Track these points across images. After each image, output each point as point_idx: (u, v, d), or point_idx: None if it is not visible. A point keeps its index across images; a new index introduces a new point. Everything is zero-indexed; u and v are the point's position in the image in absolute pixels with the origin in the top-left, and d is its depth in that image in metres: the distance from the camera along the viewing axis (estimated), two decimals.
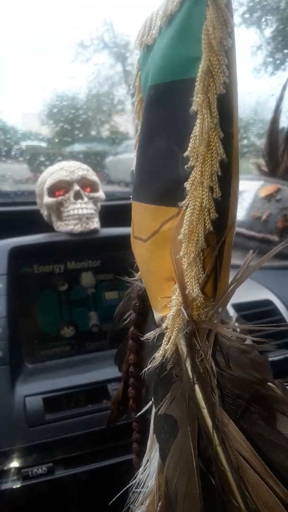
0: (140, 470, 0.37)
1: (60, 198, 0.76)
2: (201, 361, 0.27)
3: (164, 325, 0.30)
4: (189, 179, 0.27)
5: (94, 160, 1.77)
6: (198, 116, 0.26)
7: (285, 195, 0.93)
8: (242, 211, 0.97)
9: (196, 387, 0.27)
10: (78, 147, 1.86)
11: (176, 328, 0.29)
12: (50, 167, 0.79)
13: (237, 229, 0.96)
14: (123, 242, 0.79)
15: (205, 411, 0.26)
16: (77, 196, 0.76)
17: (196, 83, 0.26)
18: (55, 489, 0.58)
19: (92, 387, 0.65)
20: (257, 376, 0.26)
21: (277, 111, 0.98)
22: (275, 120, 0.98)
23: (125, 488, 0.42)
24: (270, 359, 0.79)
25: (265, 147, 1.01)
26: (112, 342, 0.74)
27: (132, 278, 0.43)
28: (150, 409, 0.34)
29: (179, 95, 0.27)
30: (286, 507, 0.23)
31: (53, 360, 0.71)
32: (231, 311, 0.77)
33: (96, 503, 0.60)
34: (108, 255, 0.79)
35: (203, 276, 0.28)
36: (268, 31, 2.84)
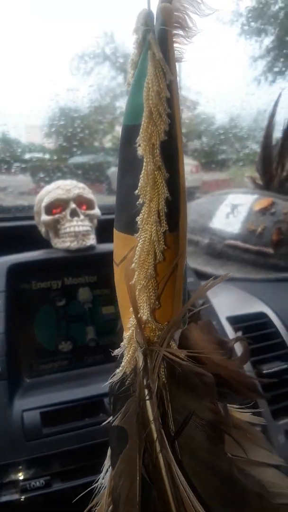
0: (101, 475, 0.39)
1: (57, 216, 0.78)
2: (154, 380, 0.30)
3: (122, 344, 0.33)
4: (140, 214, 0.30)
5: (96, 171, 1.79)
6: (144, 160, 0.29)
7: (279, 208, 0.95)
8: (237, 224, 0.98)
9: (147, 403, 0.29)
10: (80, 158, 1.89)
11: (132, 348, 0.32)
12: (47, 186, 0.81)
13: (233, 242, 0.98)
14: None
15: (152, 426, 0.29)
16: (74, 213, 0.78)
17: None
18: (53, 502, 0.60)
19: (89, 401, 0.67)
20: (203, 397, 0.28)
21: (269, 126, 1.00)
22: (268, 134, 1.00)
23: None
24: (265, 371, 0.79)
25: (259, 161, 1.03)
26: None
27: None
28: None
29: (135, 138, 0.30)
30: None
31: (51, 374, 0.73)
32: (226, 324, 0.78)
33: None
34: (104, 270, 0.81)
35: (155, 301, 0.31)
36: (267, 41, 2.87)
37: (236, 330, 0.78)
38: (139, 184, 0.29)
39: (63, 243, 0.77)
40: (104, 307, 0.80)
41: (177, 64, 0.32)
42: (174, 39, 0.34)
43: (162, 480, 0.27)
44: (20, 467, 0.60)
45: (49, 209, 0.78)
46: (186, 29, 0.34)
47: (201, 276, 0.95)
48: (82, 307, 0.78)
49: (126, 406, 0.31)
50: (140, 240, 0.30)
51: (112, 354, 0.36)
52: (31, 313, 0.75)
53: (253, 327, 0.81)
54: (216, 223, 1.02)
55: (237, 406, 0.31)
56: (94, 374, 0.73)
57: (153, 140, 0.28)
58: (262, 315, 0.82)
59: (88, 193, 0.81)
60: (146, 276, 0.30)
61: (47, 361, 0.74)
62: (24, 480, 0.60)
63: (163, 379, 0.30)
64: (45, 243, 0.82)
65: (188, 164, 3.20)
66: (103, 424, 0.33)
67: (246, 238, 0.96)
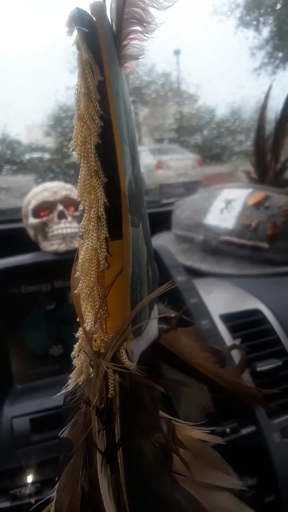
0: (56, 487, 0.39)
1: (44, 218, 0.77)
2: (101, 391, 0.29)
3: (72, 354, 0.33)
4: (82, 221, 0.29)
5: None
6: (81, 164, 0.28)
7: (274, 202, 0.93)
8: (232, 219, 0.97)
9: (93, 413, 0.28)
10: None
11: (81, 359, 0.32)
12: (34, 188, 0.80)
13: (228, 237, 0.96)
14: None
15: (95, 437, 0.28)
16: (61, 215, 0.77)
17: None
18: (43, 509, 0.59)
19: None
20: (150, 412, 0.28)
21: (261, 118, 0.98)
22: (260, 127, 0.98)
23: None
24: (258, 369, 0.77)
25: (252, 154, 1.01)
26: None
27: None
28: None
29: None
30: None
31: (42, 379, 0.72)
32: (219, 323, 0.77)
33: None
34: None
35: (99, 311, 0.30)
36: (266, 31, 2.83)
37: (230, 328, 0.76)
38: (78, 190, 0.28)
39: (52, 245, 0.77)
40: None
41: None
42: (131, 36, 0.33)
43: (99, 497, 0.26)
44: (10, 474, 0.60)
45: (37, 212, 0.78)
46: (144, 24, 0.33)
47: (196, 273, 0.94)
48: (72, 310, 0.77)
49: (74, 418, 0.30)
50: (83, 248, 0.29)
51: (73, 363, 0.36)
52: (20, 317, 0.74)
53: (247, 324, 0.79)
54: (211, 219, 1.00)
55: (192, 424, 0.30)
56: None
57: (87, 145, 0.27)
58: (256, 312, 0.80)
59: (76, 194, 0.80)
60: (89, 284, 0.30)
61: (38, 366, 0.73)
62: (14, 487, 0.59)
63: (112, 392, 0.29)
64: (36, 245, 0.81)
65: (190, 159, 3.18)
66: (60, 434, 0.32)
67: (241, 234, 0.94)
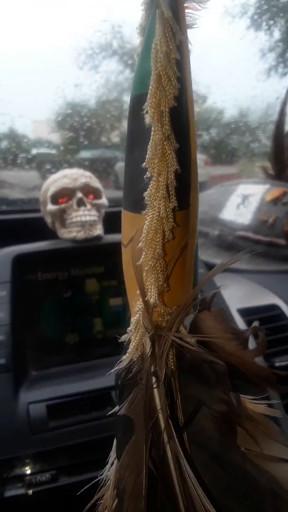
0: (107, 467, 0.38)
1: (63, 205, 0.76)
2: (161, 367, 0.28)
3: (128, 329, 0.31)
4: (147, 190, 0.28)
5: (104, 166, 1.78)
6: (152, 128, 0.27)
7: None
8: (248, 215, 0.96)
9: (155, 391, 0.27)
10: (87, 153, 1.87)
11: (139, 333, 0.30)
12: (53, 175, 0.79)
13: (244, 233, 0.95)
14: None
15: (160, 416, 0.27)
16: (80, 203, 0.76)
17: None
18: (59, 496, 0.58)
19: (96, 394, 0.65)
20: (214, 386, 0.26)
21: (281, 114, 0.97)
22: (280, 123, 0.98)
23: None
24: (277, 364, 0.77)
25: (271, 150, 1.00)
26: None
27: None
28: None
29: (142, 107, 0.28)
30: None
31: (57, 366, 0.71)
32: (237, 317, 0.76)
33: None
34: (112, 261, 0.79)
35: (163, 283, 0.29)
36: (277, 33, 2.82)
37: (247, 322, 0.75)
38: (147, 156, 0.27)
39: (70, 233, 0.76)
40: (111, 298, 0.78)
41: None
42: (185, 4, 0.32)
43: (170, 474, 0.25)
44: (26, 461, 0.59)
45: (55, 199, 0.77)
46: None
47: (211, 268, 0.92)
48: (89, 298, 0.77)
49: (132, 394, 0.29)
50: (148, 218, 0.28)
51: (119, 341, 0.35)
52: (37, 304, 0.73)
53: (265, 319, 0.78)
54: (227, 214, 0.99)
55: (251, 397, 0.29)
56: (101, 366, 0.71)
57: (162, 107, 0.26)
58: (274, 307, 0.80)
59: (95, 182, 0.79)
60: (154, 256, 0.28)
61: (54, 354, 0.72)
62: (30, 474, 0.58)
63: (172, 367, 0.28)
64: (51, 236, 0.80)
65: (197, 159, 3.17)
66: (109, 413, 0.31)
67: (257, 229, 0.94)
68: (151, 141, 0.26)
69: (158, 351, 0.28)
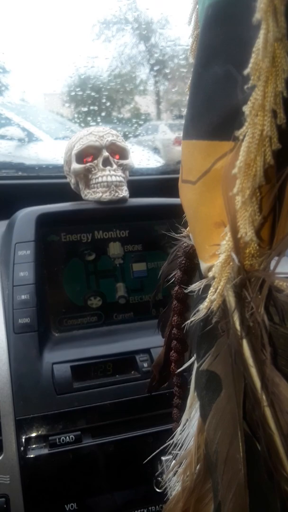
0: (179, 430, 0.35)
1: (88, 164, 0.73)
2: (251, 315, 0.25)
3: (211, 274, 0.27)
4: (248, 102, 0.23)
5: None
6: (262, 26, 0.22)
7: None
8: None
9: (244, 342, 0.24)
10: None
11: (225, 277, 0.26)
12: (78, 132, 0.76)
13: None
14: (152, 213, 0.77)
15: (253, 370, 0.24)
16: (106, 162, 0.73)
17: None
18: (82, 457, 0.57)
19: (120, 358, 0.64)
20: None
21: None
22: None
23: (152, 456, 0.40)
24: None
25: None
26: (154, 306, 0.72)
27: (178, 235, 0.40)
28: (191, 368, 0.32)
29: (241, 7, 0.24)
30: None
31: (80, 330, 0.69)
32: None
33: (123, 473, 0.59)
34: (136, 225, 0.76)
35: (259, 217, 0.25)
36: None
37: None
38: (252, 61, 0.22)
39: (94, 194, 0.73)
40: (135, 263, 0.76)
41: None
42: None
43: (272, 432, 0.22)
44: (50, 421, 0.58)
45: (80, 157, 0.74)
46: None
47: None
48: (113, 262, 0.74)
49: (215, 347, 0.26)
50: (247, 138, 0.24)
51: (187, 290, 0.31)
52: (60, 266, 0.71)
53: None
54: None
55: None
56: (124, 331, 0.70)
57: (276, 1, 0.21)
58: None
59: (122, 141, 0.76)
60: (253, 184, 0.24)
61: (76, 317, 0.70)
62: (53, 434, 0.57)
63: (262, 317, 0.24)
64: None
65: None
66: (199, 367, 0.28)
67: None
68: (261, 40, 0.22)
69: (253, 297, 0.24)
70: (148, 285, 0.75)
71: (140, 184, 0.92)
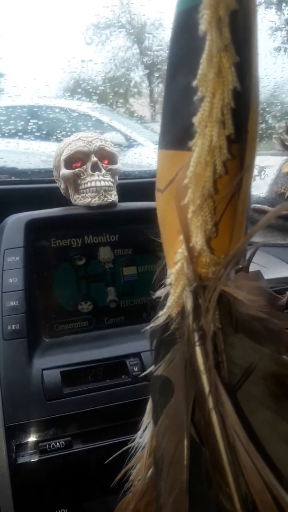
0: (139, 433, 0.35)
1: (77, 170, 0.73)
2: (209, 321, 0.25)
3: (168, 282, 0.27)
4: (198, 113, 0.23)
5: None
6: (207, 37, 0.22)
7: None
8: (265, 187, 0.93)
9: (197, 349, 0.24)
10: None
11: (181, 285, 0.26)
12: (66, 138, 0.76)
13: (260, 206, 0.93)
14: (142, 217, 0.77)
15: (204, 376, 0.24)
16: (95, 167, 0.73)
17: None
18: (73, 463, 0.57)
19: (110, 362, 0.64)
20: (268, 347, 0.23)
21: None
22: None
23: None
24: None
25: None
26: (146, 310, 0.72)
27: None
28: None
29: (192, 25, 0.23)
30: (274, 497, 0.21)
31: (70, 335, 0.69)
32: None
33: (114, 478, 0.59)
34: (126, 229, 0.76)
35: (211, 227, 0.25)
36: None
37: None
38: (199, 72, 0.23)
39: (84, 199, 0.73)
40: (125, 267, 0.76)
41: None
42: None
43: (216, 441, 0.22)
44: (40, 427, 0.58)
45: (69, 163, 0.74)
46: None
47: None
48: (103, 267, 0.75)
49: (171, 353, 0.26)
50: (197, 148, 0.24)
51: (153, 297, 0.32)
52: (50, 271, 0.71)
53: (281, 292, 0.76)
54: None
55: None
56: (115, 335, 0.70)
57: (220, 11, 0.21)
58: None
59: (110, 146, 0.76)
60: (203, 193, 0.24)
61: (67, 322, 0.70)
62: (43, 440, 0.57)
63: (217, 323, 0.25)
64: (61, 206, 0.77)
65: None
66: (144, 374, 0.29)
67: (274, 202, 0.91)
68: (205, 53, 0.22)
69: (203, 305, 0.25)
70: (138, 289, 0.75)
71: (132, 187, 0.92)
